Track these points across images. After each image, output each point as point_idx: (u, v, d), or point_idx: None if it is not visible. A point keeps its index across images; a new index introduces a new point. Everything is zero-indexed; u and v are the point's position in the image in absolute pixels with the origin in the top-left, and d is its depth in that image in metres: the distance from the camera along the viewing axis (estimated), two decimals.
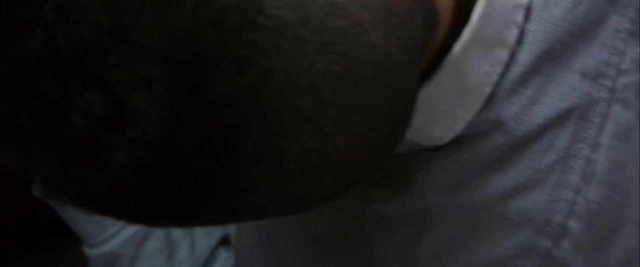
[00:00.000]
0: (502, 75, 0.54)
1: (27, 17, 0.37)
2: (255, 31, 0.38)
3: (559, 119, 0.55)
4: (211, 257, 0.94)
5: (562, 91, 0.55)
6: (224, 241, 0.96)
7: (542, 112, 0.55)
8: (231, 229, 0.93)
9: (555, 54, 0.54)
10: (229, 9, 0.37)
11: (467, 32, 0.51)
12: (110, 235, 0.88)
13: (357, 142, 0.42)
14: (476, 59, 0.52)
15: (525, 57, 0.54)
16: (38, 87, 0.38)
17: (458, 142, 0.55)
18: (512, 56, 0.53)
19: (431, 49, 0.50)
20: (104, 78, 0.37)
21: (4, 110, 0.40)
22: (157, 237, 0.90)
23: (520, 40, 0.53)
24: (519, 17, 0.53)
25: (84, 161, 0.39)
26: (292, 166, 0.40)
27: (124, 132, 0.38)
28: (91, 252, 0.89)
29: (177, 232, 0.92)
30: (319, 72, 0.39)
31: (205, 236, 0.94)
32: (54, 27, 0.37)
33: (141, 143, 0.38)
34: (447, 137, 0.55)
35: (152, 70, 0.37)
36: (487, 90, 0.54)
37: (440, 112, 0.54)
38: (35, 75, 0.38)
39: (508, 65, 0.54)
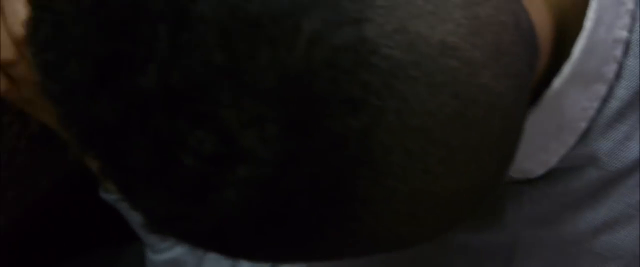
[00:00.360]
0: (599, 110, 0.53)
1: (140, 54, 0.37)
2: (369, 71, 0.37)
3: None
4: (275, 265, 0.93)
5: None
6: None
7: (637, 147, 0.54)
8: None
9: None
10: (342, 49, 0.37)
11: (567, 68, 0.50)
12: (175, 242, 0.88)
13: (464, 182, 0.41)
14: (575, 94, 0.51)
15: (623, 92, 0.53)
16: (148, 124, 0.38)
17: (551, 175, 0.55)
18: (610, 91, 0.52)
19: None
20: (215, 117, 0.37)
21: (113, 144, 0.40)
22: None
23: (618, 75, 0.52)
24: (619, 52, 0.52)
25: (192, 199, 0.39)
26: (399, 206, 0.40)
27: (234, 171, 0.37)
28: (155, 257, 0.89)
29: None
30: (430, 113, 0.38)
31: None
32: (167, 65, 0.37)
33: (251, 182, 0.38)
34: (540, 170, 0.54)
35: (264, 110, 0.37)
36: (583, 125, 0.53)
37: (535, 145, 0.53)
38: (146, 112, 0.38)
39: (605, 100, 0.53)
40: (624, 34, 0.52)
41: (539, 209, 0.56)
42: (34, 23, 0.42)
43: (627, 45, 0.53)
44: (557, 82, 0.50)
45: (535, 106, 0.51)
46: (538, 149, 0.53)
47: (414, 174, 0.39)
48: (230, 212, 0.38)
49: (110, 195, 0.78)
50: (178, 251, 0.88)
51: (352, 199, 0.39)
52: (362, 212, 0.39)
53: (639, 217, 0.55)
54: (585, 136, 0.53)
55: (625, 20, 0.52)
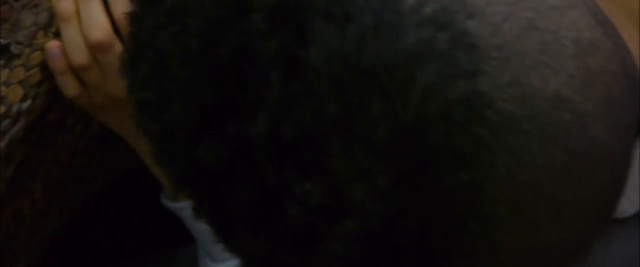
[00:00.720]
0: None
1: (249, 102, 0.37)
2: (482, 125, 0.36)
3: None
4: None
5: None
6: None
7: None
8: None
9: None
10: (457, 102, 0.36)
11: None
12: None
13: (569, 236, 0.40)
14: None
15: None
16: (254, 172, 0.37)
17: None
18: None
19: None
20: (324, 168, 0.36)
21: (214, 188, 0.39)
22: None
23: None
24: None
25: (296, 249, 0.38)
26: (504, 259, 0.39)
27: (342, 224, 0.37)
28: (214, 266, 0.89)
29: None
30: (540, 167, 0.37)
31: None
32: (277, 115, 0.36)
33: (358, 236, 0.37)
34: (631, 210, 0.53)
35: (375, 163, 0.36)
36: None
37: (628, 185, 0.52)
38: (252, 159, 0.37)
39: None
40: None
41: (629, 249, 0.55)
42: (134, 59, 0.41)
43: None
44: None
45: None
46: (630, 189, 0.52)
47: (520, 227, 0.38)
48: (335, 265, 0.38)
49: (173, 203, 0.78)
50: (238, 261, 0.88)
51: (458, 253, 0.38)
52: (467, 265, 0.38)
53: None
54: None
55: None
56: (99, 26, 0.67)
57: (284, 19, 0.36)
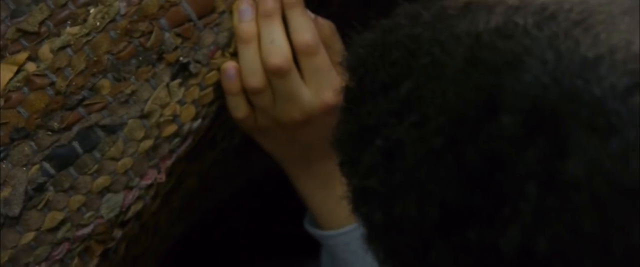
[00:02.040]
0: None
1: (501, 213, 0.34)
2: None
3: None
4: None
5: None
6: None
7: None
8: None
9: None
10: None
11: None
12: None
13: None
14: None
15: None
16: None
17: None
18: None
19: None
20: None
21: None
22: None
23: None
24: None
25: None
26: None
27: None
28: None
29: None
30: None
31: None
32: (531, 229, 0.33)
33: None
34: None
35: None
36: None
37: None
38: None
39: None
40: None
41: None
42: (357, 141, 0.39)
43: None
44: None
45: None
46: None
47: None
48: None
49: (318, 231, 0.76)
50: None
51: None
52: None
53: None
54: None
55: None
56: (279, 51, 0.65)
57: (541, 126, 0.34)
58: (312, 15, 0.68)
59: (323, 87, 0.67)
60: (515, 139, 0.34)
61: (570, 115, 0.34)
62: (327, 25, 0.69)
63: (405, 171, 0.37)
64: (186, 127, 0.66)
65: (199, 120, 0.67)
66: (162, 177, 0.66)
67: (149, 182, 0.65)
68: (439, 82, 0.38)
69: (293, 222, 0.86)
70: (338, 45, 0.70)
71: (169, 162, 0.66)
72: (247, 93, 0.68)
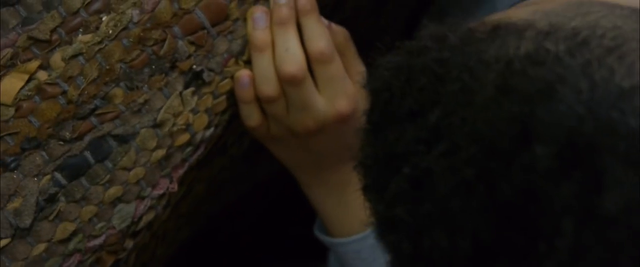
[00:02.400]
0: None
1: (535, 249, 0.33)
2: None
3: None
4: None
5: None
6: None
7: None
8: None
9: None
10: None
11: None
12: None
13: None
14: None
15: None
16: None
17: None
18: None
19: None
20: None
21: None
22: None
23: None
24: None
25: None
26: None
27: None
28: None
29: None
30: None
31: None
32: (566, 265, 0.33)
33: None
34: None
35: None
36: None
37: None
38: None
39: None
40: None
41: None
42: (386, 170, 0.38)
43: None
44: None
45: None
46: None
47: None
48: None
49: (327, 237, 0.75)
50: None
51: None
52: None
53: None
54: None
55: None
56: (294, 59, 0.64)
57: (577, 159, 0.33)
58: (326, 21, 0.67)
59: (337, 95, 0.66)
60: (550, 172, 0.33)
61: (606, 148, 0.33)
62: (341, 32, 0.68)
63: (434, 201, 0.36)
64: (199, 136, 0.65)
65: (212, 129, 0.66)
66: (175, 187, 0.65)
67: (161, 192, 0.64)
68: (469, 110, 0.37)
69: (299, 224, 0.86)
70: (352, 52, 0.69)
71: (181, 172, 0.65)
72: (261, 101, 0.67)
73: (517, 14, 0.44)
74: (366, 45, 0.71)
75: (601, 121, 0.34)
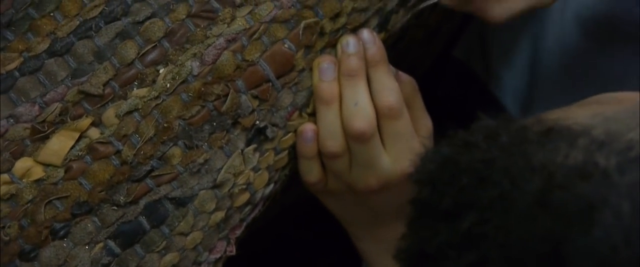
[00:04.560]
0: None
1: None
2: None
3: None
4: None
5: None
6: None
7: None
8: None
9: None
10: None
11: None
12: None
13: None
14: None
15: None
16: None
17: None
18: None
19: None
20: None
21: None
22: None
23: None
24: None
25: None
26: None
27: None
28: None
29: None
30: None
31: None
32: None
33: None
34: None
35: None
36: None
37: None
38: None
39: None
40: None
41: None
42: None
43: None
44: None
45: None
46: None
47: None
48: None
49: None
50: None
51: None
52: None
53: None
54: None
55: None
56: (364, 114, 0.60)
57: None
58: (394, 69, 0.63)
59: (403, 154, 0.61)
60: None
61: None
62: (409, 82, 0.63)
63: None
64: (259, 195, 0.61)
65: (271, 186, 0.61)
66: (233, 250, 0.60)
67: (218, 255, 0.60)
68: (505, 219, 0.37)
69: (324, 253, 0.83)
70: (419, 104, 0.64)
71: (238, 232, 0.61)
72: (323, 157, 0.62)
73: (576, 115, 0.43)
74: (417, 72, 0.67)
75: (634, 253, 0.34)
